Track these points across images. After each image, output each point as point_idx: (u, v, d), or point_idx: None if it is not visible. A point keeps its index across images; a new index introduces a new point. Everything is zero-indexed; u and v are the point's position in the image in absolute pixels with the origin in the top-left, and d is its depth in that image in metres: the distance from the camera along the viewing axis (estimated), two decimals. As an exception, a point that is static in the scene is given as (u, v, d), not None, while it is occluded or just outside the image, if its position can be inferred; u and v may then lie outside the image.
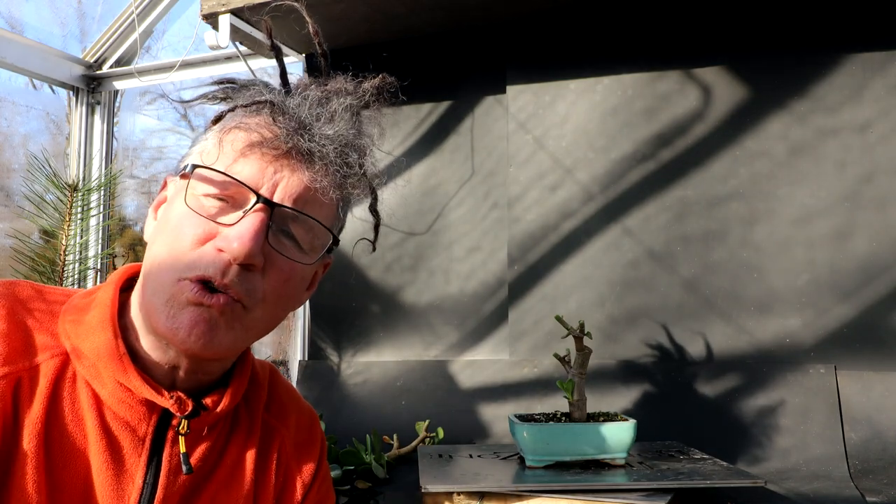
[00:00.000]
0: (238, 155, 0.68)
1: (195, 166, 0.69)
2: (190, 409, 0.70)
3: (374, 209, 0.80)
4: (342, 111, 0.73)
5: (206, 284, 0.66)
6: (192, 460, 0.71)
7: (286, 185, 0.68)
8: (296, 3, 0.74)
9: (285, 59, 0.78)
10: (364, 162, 0.74)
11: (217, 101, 0.74)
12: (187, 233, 0.67)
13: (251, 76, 0.76)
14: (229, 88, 0.75)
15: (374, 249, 0.82)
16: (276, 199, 0.68)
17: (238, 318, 0.68)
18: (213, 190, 0.68)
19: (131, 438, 0.68)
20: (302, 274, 0.72)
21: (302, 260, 0.71)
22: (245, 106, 0.71)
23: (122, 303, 0.73)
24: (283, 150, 0.68)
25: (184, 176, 0.70)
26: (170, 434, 0.70)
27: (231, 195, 0.68)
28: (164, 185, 0.77)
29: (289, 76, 0.75)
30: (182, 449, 0.70)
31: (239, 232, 0.65)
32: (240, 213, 0.67)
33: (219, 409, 0.73)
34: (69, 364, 0.68)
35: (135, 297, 0.72)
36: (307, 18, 0.74)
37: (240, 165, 0.68)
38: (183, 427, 0.70)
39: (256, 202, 0.67)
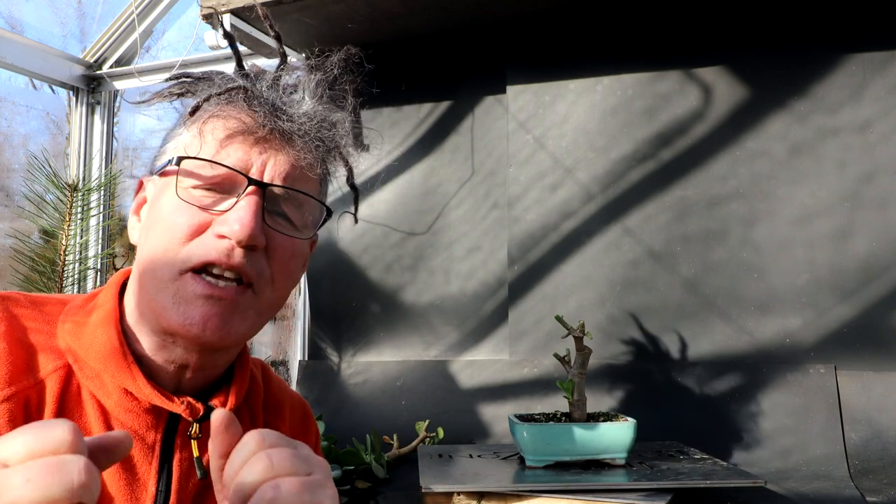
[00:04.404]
0: (220, 144, 0.69)
1: (181, 158, 0.69)
2: (201, 413, 0.70)
3: (351, 183, 0.80)
4: (313, 88, 0.74)
5: (210, 271, 0.66)
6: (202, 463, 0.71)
7: (273, 165, 0.69)
8: None
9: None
10: (340, 136, 0.75)
11: (174, 97, 0.74)
12: (182, 224, 0.67)
13: (248, 74, 0.75)
14: (186, 83, 0.74)
15: (356, 222, 0.84)
16: (265, 181, 0.68)
17: (250, 305, 0.68)
18: (201, 181, 0.68)
19: (140, 447, 0.68)
20: (302, 250, 0.73)
21: (299, 236, 0.72)
22: (218, 94, 0.71)
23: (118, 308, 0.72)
24: (263, 133, 0.69)
25: (164, 174, 0.70)
26: (177, 440, 0.70)
27: (220, 183, 0.68)
28: (141, 187, 0.76)
29: (244, 63, 0.76)
30: (195, 453, 0.70)
31: (238, 215, 0.66)
32: (233, 199, 0.68)
33: (226, 409, 0.73)
34: (72, 376, 0.67)
35: (129, 301, 0.72)
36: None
37: (224, 153, 0.68)
38: (195, 431, 0.70)
39: (248, 185, 0.67)
